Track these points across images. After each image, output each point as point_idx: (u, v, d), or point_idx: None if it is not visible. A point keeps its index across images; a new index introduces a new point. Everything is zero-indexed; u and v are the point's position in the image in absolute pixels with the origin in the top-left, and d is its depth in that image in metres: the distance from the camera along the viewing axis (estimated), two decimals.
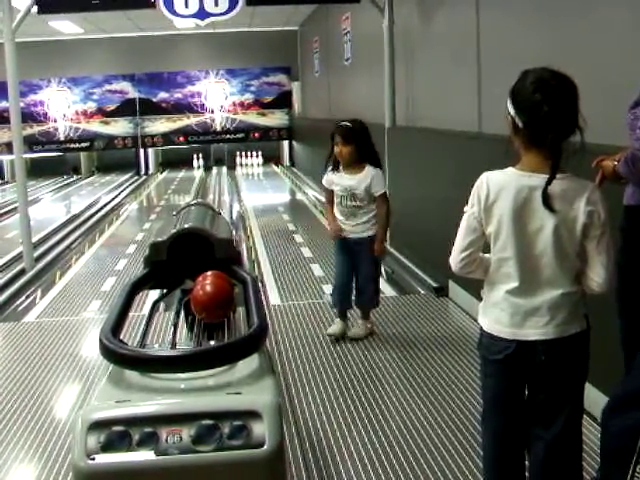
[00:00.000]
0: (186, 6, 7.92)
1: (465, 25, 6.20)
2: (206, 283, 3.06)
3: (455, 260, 2.59)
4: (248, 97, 19.30)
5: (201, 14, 7.97)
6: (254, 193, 15.22)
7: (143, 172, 20.00)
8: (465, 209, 2.58)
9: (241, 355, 2.54)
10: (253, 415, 2.27)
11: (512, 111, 2.46)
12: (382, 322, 5.85)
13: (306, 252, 8.60)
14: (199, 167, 20.60)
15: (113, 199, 15.11)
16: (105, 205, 14.21)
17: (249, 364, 2.58)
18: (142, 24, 16.05)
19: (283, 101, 19.37)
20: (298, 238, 9.64)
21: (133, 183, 18.19)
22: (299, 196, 14.59)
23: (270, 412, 2.28)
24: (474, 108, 6.09)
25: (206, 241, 3.66)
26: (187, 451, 2.23)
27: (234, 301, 3.11)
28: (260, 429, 2.25)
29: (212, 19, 8.08)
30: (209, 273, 3.19)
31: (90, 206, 14.04)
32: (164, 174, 19.88)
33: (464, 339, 5.36)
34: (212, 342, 2.96)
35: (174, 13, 7.97)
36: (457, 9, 6.59)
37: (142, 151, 19.83)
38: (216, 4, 7.97)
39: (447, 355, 5.06)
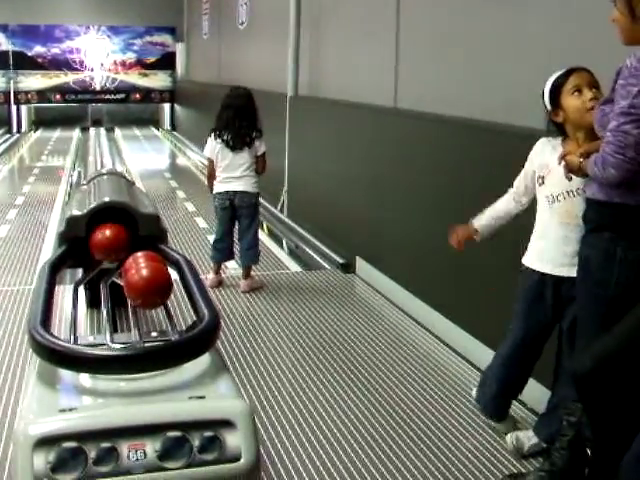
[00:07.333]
0: None
1: None
2: (141, 266, 2.74)
3: None
4: (130, 56, 18.56)
5: None
6: (137, 156, 14.66)
7: (15, 130, 18.92)
8: None
9: (198, 352, 2.28)
10: (225, 424, 2.01)
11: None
12: (287, 297, 5.67)
13: (200, 222, 8.26)
14: (77, 127, 19.64)
15: None
16: None
17: (200, 360, 2.31)
18: None
19: (167, 63, 18.77)
20: (185, 201, 9.75)
21: (5, 142, 17.15)
22: (182, 160, 14.50)
23: (244, 420, 2.03)
24: (390, 81, 5.91)
25: (129, 216, 3.34)
26: (153, 469, 1.93)
27: (172, 286, 2.81)
28: (234, 440, 2.00)
29: None
30: (141, 254, 2.88)
31: None
32: (38, 133, 18.86)
33: (371, 312, 5.31)
34: (154, 334, 2.66)
35: None
36: None
37: (14, 108, 18.74)
38: None
39: (354, 328, 4.99)
